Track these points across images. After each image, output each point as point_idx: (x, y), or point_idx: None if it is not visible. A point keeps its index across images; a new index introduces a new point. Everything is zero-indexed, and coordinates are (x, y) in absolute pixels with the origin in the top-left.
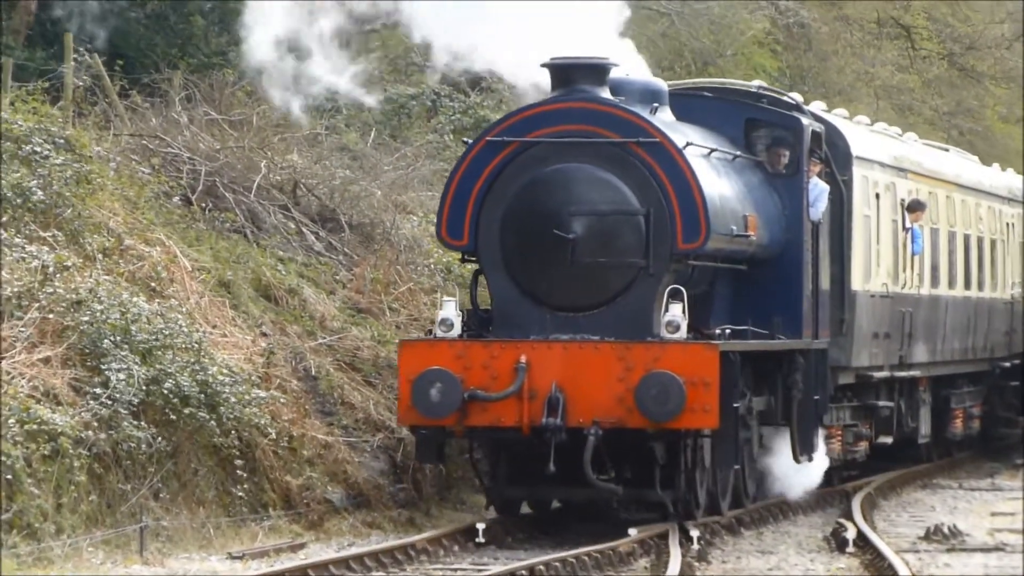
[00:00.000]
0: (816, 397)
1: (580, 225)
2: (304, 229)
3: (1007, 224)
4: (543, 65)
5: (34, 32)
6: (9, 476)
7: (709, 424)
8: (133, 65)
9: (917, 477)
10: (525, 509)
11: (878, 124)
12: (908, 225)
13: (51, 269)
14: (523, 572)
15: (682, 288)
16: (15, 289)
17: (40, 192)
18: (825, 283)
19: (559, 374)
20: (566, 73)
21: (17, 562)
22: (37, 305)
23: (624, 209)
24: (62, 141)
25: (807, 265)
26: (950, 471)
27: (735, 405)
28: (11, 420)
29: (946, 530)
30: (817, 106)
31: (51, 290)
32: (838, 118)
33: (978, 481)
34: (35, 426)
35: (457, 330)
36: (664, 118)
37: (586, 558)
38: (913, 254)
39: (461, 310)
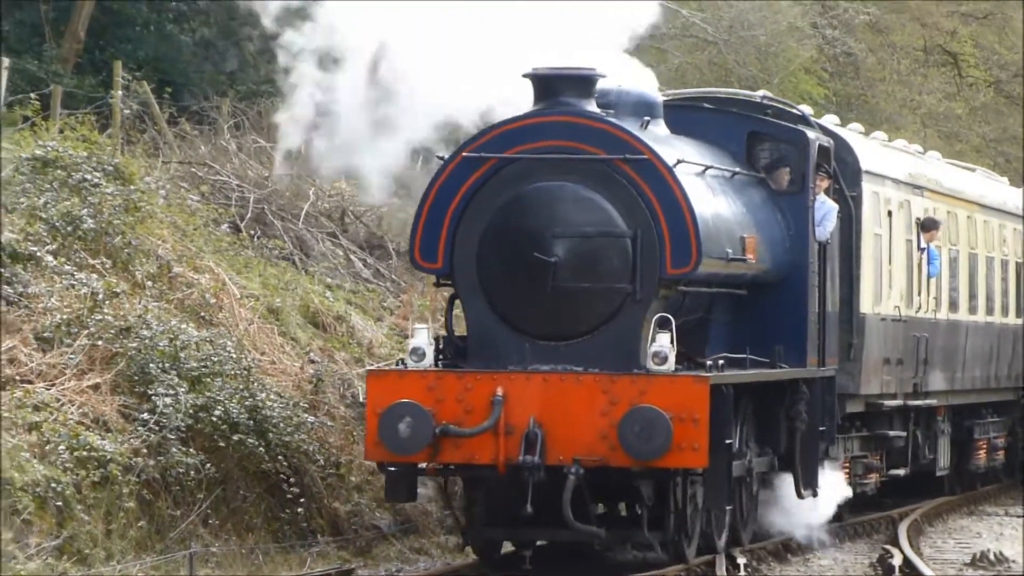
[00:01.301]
0: (822, 428)
1: (562, 248)
2: (352, 256)
3: None
4: (525, 75)
5: (83, 60)
6: (59, 503)
7: (698, 463)
8: (181, 92)
9: (963, 504)
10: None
11: (897, 141)
12: (923, 245)
13: (100, 296)
14: None
15: (670, 317)
16: (64, 316)
17: (90, 222)
18: (832, 306)
19: (538, 408)
20: (549, 84)
21: None
22: (86, 332)
23: (609, 231)
24: (111, 169)
25: (813, 288)
26: (995, 498)
27: (728, 442)
28: (61, 447)
29: (992, 556)
30: (829, 120)
31: (100, 317)
32: (848, 131)
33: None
34: (85, 453)
35: (429, 360)
36: (657, 132)
37: None
38: (929, 276)
39: (435, 338)
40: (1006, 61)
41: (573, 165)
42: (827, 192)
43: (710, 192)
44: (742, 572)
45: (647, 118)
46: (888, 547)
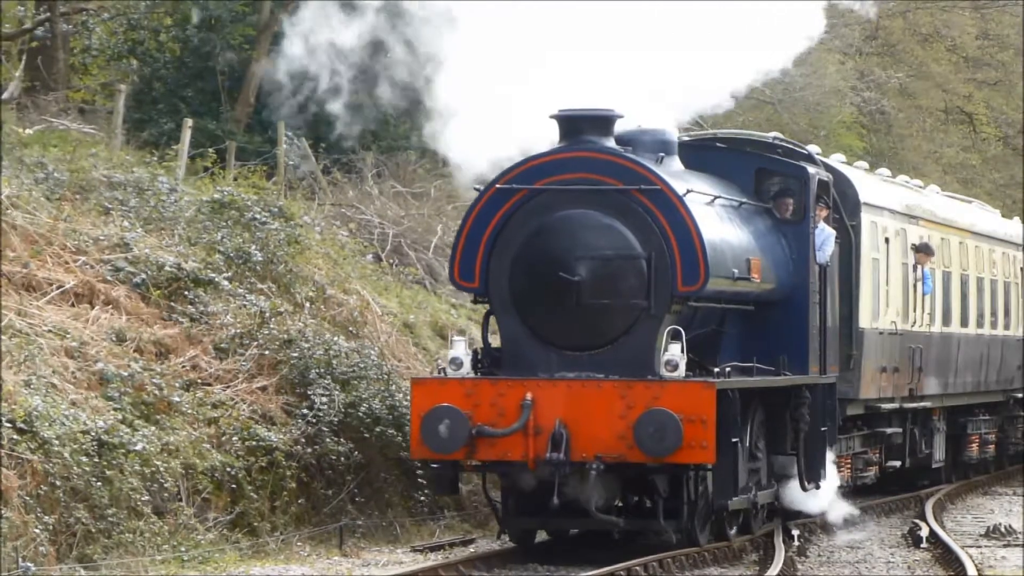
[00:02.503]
0: (824, 428)
1: (585, 268)
2: None
3: (1021, 269)
4: (552, 116)
5: (252, 121)
6: (233, 484)
7: (706, 460)
8: (333, 147)
9: (979, 486)
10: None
11: (899, 177)
12: (918, 267)
13: (267, 314)
14: (654, 563)
15: (681, 329)
16: (238, 330)
17: (259, 253)
18: (833, 321)
19: (563, 411)
20: (573, 124)
21: (239, 554)
22: (256, 343)
23: (627, 253)
24: (276, 210)
25: (814, 305)
26: (1006, 481)
27: (734, 440)
28: (235, 437)
29: (1003, 529)
30: (836, 159)
31: (267, 331)
32: (849, 168)
33: None
34: (254, 442)
35: (466, 368)
36: (671, 167)
37: (706, 554)
38: (923, 295)
39: (473, 349)
40: (1012, 120)
41: (594, 195)
42: (827, 220)
43: (718, 219)
44: (795, 542)
45: (662, 154)
46: (917, 521)
